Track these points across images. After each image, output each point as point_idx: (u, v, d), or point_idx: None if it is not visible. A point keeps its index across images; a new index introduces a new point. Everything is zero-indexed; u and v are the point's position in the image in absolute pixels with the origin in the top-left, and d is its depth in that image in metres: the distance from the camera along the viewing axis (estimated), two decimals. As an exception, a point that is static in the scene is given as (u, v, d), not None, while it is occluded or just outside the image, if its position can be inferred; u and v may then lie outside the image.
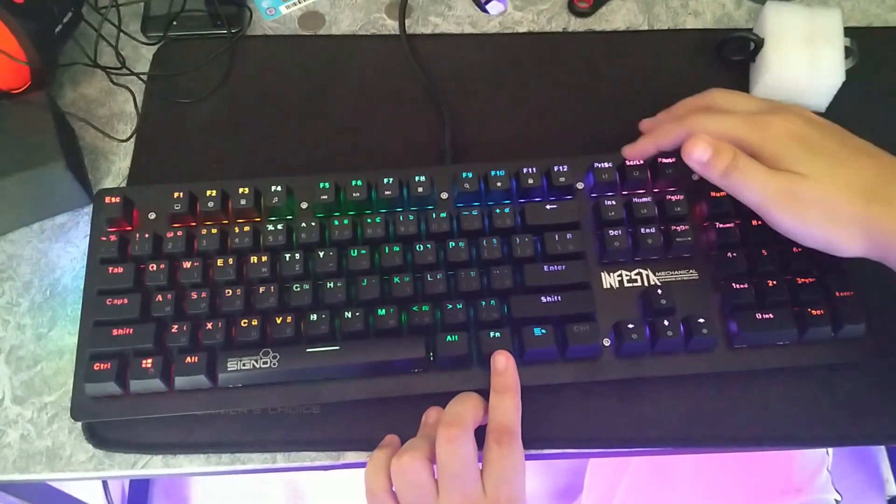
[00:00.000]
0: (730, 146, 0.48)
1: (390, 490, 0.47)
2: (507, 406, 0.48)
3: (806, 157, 0.47)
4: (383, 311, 0.51)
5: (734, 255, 0.53)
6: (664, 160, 0.55)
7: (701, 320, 0.51)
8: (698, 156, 0.48)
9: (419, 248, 0.53)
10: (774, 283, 0.52)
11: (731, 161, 0.47)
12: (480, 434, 0.48)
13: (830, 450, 0.82)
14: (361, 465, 0.51)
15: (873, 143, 0.59)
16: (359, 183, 0.55)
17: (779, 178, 0.47)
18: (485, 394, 0.50)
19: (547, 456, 0.53)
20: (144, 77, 0.65)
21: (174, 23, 0.67)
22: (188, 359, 0.50)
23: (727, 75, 0.65)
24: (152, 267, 0.53)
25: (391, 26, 0.69)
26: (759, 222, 0.54)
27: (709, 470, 0.75)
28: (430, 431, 0.48)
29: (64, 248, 0.59)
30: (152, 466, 0.52)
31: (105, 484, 1.08)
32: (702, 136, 0.48)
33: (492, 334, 0.51)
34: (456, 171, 0.56)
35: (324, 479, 1.20)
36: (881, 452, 1.26)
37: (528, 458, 0.53)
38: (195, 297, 0.52)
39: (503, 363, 0.50)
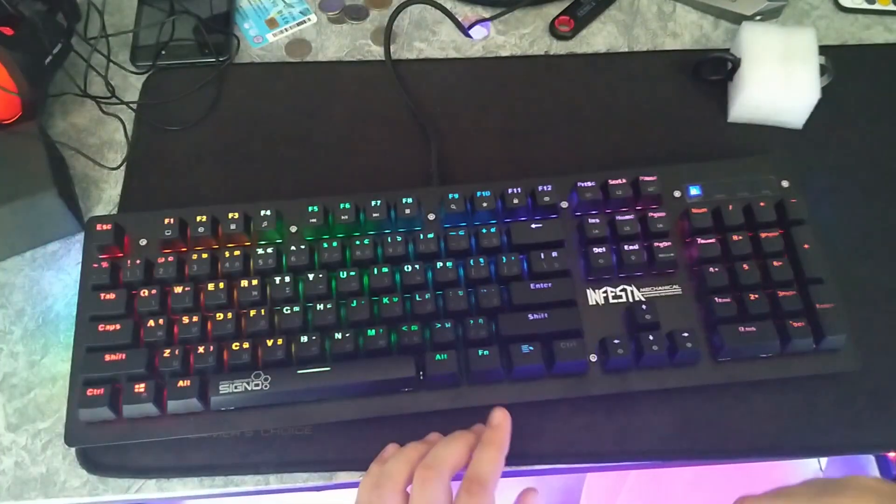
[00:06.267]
0: None
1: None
2: (487, 458, 0.47)
3: None
4: (373, 331, 0.52)
5: (716, 269, 0.54)
6: (645, 178, 0.56)
7: (685, 334, 0.52)
8: None
9: (407, 268, 0.54)
10: (756, 296, 0.53)
11: None
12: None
13: (824, 461, 0.83)
14: (354, 484, 0.52)
15: (849, 161, 0.59)
16: (347, 206, 0.56)
17: None
18: (473, 414, 0.51)
19: (535, 472, 0.54)
20: (134, 106, 0.66)
21: (163, 52, 0.69)
22: (180, 383, 0.50)
23: (706, 95, 0.66)
24: (144, 293, 0.53)
25: (377, 52, 0.70)
26: (740, 237, 0.55)
27: (707, 483, 0.74)
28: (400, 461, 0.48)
29: (56, 276, 0.59)
30: (146, 490, 0.52)
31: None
32: None
33: (480, 352, 0.51)
34: (442, 192, 0.57)
35: (315, 502, 1.19)
36: (871, 463, 1.26)
37: (518, 474, 0.53)
38: (187, 321, 0.52)
39: (498, 419, 0.49)
